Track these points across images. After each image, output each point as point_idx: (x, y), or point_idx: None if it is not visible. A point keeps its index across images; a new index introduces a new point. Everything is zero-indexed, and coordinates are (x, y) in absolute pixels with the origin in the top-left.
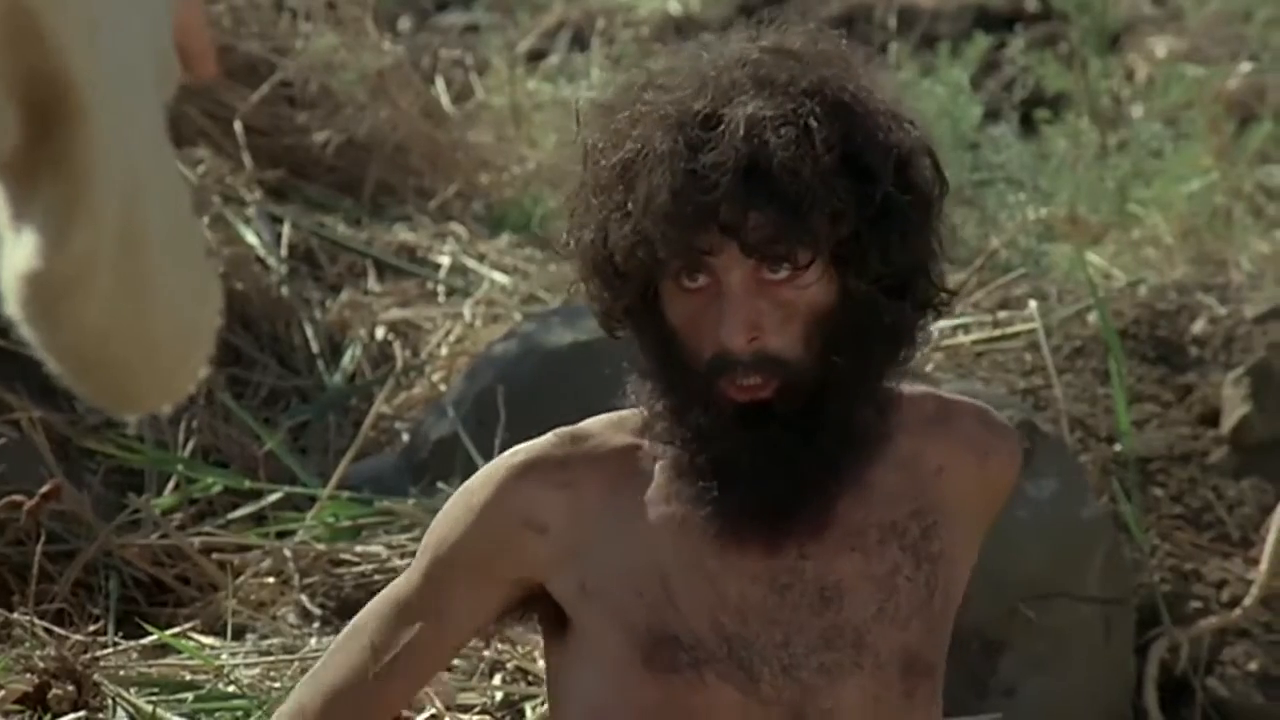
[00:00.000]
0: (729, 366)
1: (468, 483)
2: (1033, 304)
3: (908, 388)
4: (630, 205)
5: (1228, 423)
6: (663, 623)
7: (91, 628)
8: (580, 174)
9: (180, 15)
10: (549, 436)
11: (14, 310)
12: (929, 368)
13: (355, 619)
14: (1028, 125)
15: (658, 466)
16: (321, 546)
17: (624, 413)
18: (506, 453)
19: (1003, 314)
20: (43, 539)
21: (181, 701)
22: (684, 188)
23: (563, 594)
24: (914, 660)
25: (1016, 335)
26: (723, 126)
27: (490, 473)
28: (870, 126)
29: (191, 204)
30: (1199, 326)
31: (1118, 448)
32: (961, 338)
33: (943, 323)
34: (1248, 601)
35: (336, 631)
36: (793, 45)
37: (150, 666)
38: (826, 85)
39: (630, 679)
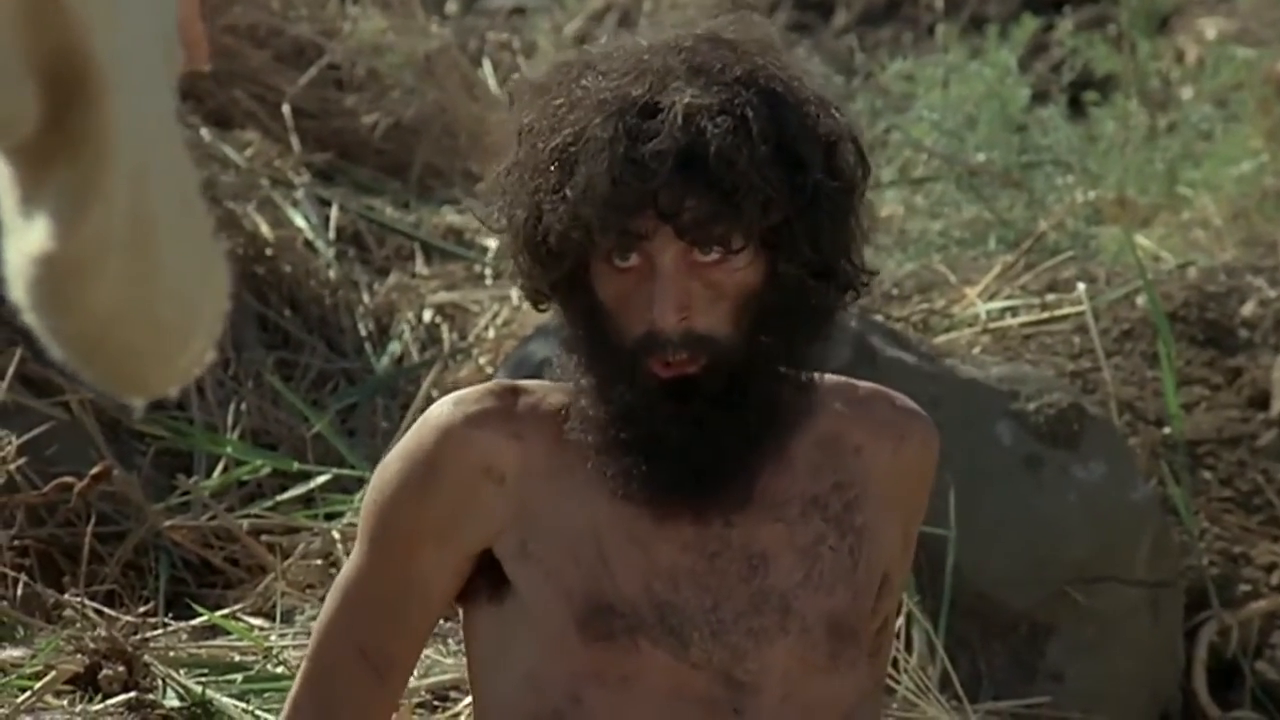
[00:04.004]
0: (658, 345)
1: (405, 447)
2: (1081, 286)
3: (826, 376)
4: (568, 190)
5: (1277, 405)
6: (599, 590)
7: (141, 609)
8: (514, 152)
9: (178, 6)
10: (488, 386)
11: (20, 294)
12: (976, 350)
13: (313, 647)
14: (1076, 107)
15: (588, 436)
16: None
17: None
18: (442, 405)
19: (1051, 296)
20: (93, 520)
21: (231, 682)
22: (624, 175)
23: (505, 554)
24: (839, 625)
25: (1065, 318)
26: (661, 115)
27: (437, 425)
28: (802, 115)
29: (199, 186)
30: (1249, 309)
31: (1166, 431)
32: (1009, 320)
33: (991, 305)
34: None
35: None
36: (726, 33)
37: (200, 647)
38: (759, 74)
39: (565, 646)
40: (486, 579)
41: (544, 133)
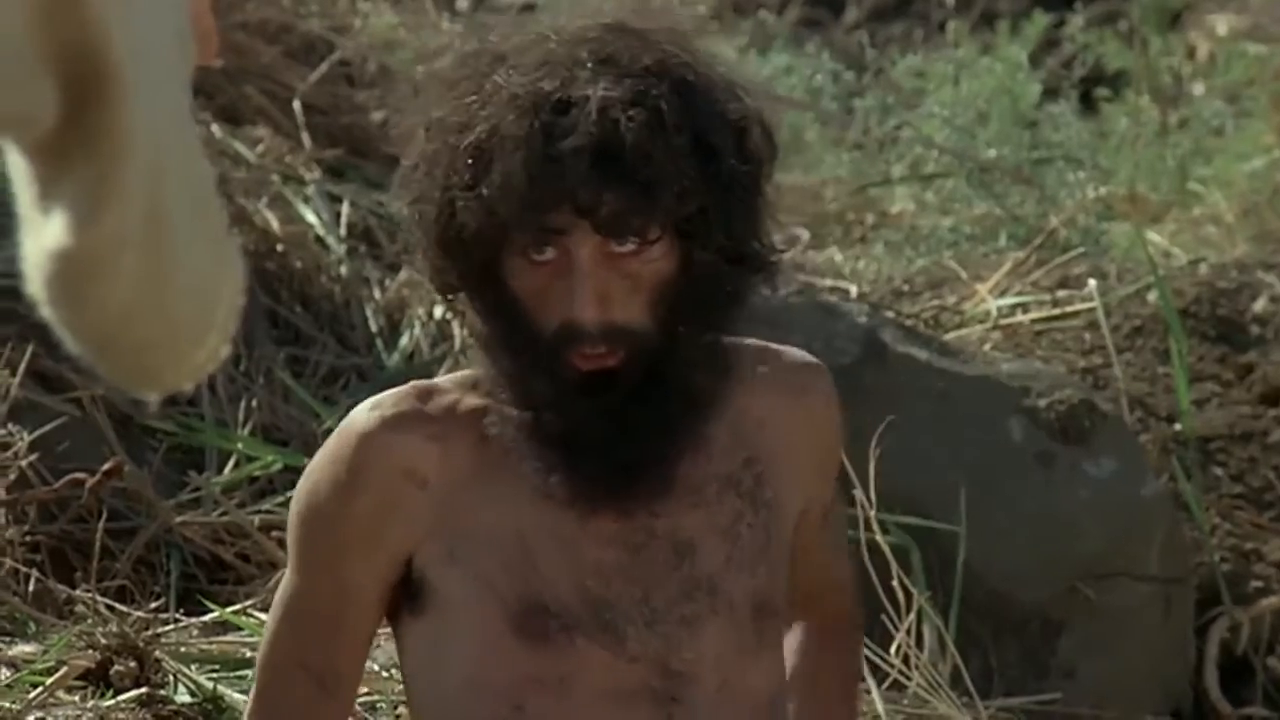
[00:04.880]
0: (576, 338)
1: (326, 455)
2: (1092, 283)
3: (728, 339)
4: (483, 187)
5: None
6: (531, 591)
7: (153, 605)
8: (422, 147)
9: (189, 0)
10: (405, 389)
11: (37, 290)
12: (987, 346)
13: (259, 665)
14: (1087, 103)
15: (508, 429)
16: None
17: (469, 372)
18: (361, 410)
19: (1062, 293)
20: (104, 517)
21: (242, 679)
22: (540, 173)
23: (429, 561)
24: (764, 603)
25: (1076, 314)
26: (575, 110)
27: (357, 431)
28: (712, 102)
29: (214, 182)
30: (1260, 305)
31: (1178, 427)
32: (1020, 317)
33: (1002, 301)
34: None
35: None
36: (632, 22)
37: (211, 643)
38: (669, 62)
39: (502, 650)
40: (403, 592)
41: (455, 129)
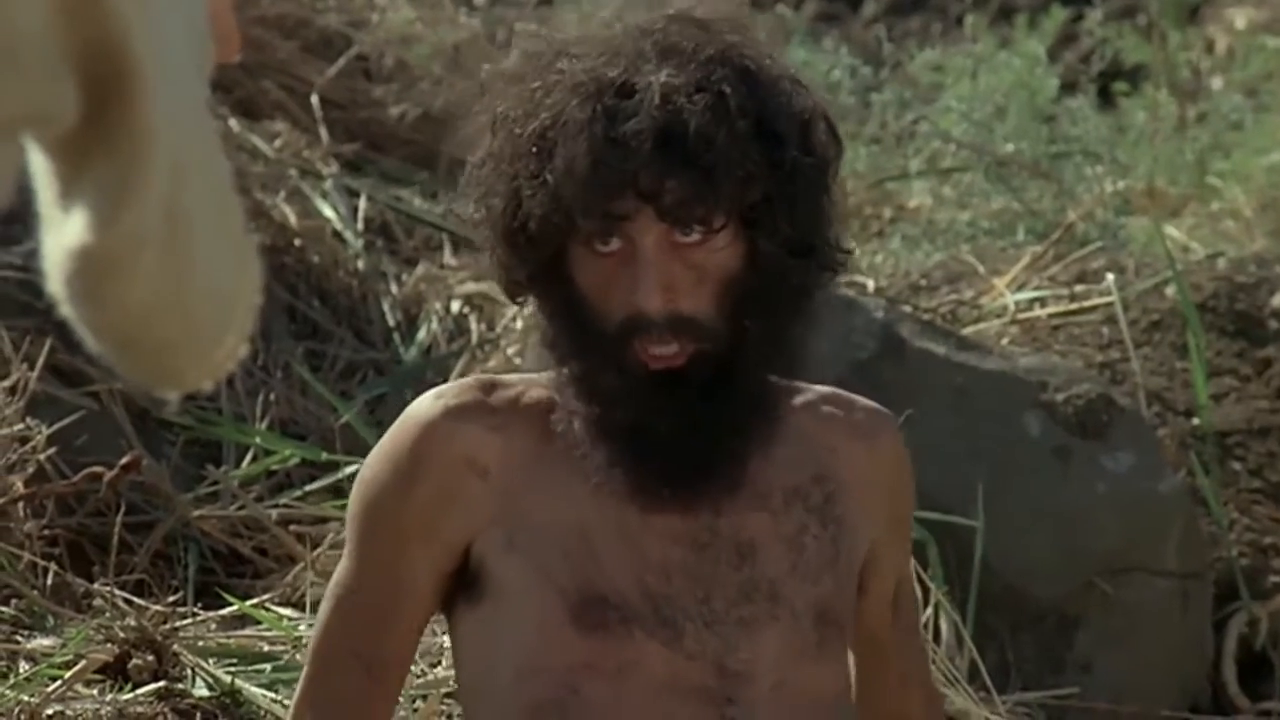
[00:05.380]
0: (642, 328)
1: (388, 443)
2: (1110, 277)
3: (796, 383)
4: (547, 173)
5: None
6: (590, 582)
7: (171, 598)
8: (488, 143)
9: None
10: (467, 381)
11: (57, 288)
12: (1004, 341)
13: (311, 652)
14: (1105, 98)
15: (574, 425)
16: None
17: (532, 375)
18: (422, 401)
19: (1080, 287)
20: (122, 510)
21: (260, 672)
22: (603, 155)
23: (488, 549)
24: (826, 612)
25: (1094, 308)
26: (639, 94)
27: (420, 420)
28: (776, 92)
29: (231, 180)
30: (1278, 299)
31: (1195, 421)
32: (1038, 311)
33: (1020, 295)
34: None
35: None
36: (696, 13)
37: (229, 637)
38: (732, 52)
39: (560, 638)
40: (459, 580)
41: (520, 119)
